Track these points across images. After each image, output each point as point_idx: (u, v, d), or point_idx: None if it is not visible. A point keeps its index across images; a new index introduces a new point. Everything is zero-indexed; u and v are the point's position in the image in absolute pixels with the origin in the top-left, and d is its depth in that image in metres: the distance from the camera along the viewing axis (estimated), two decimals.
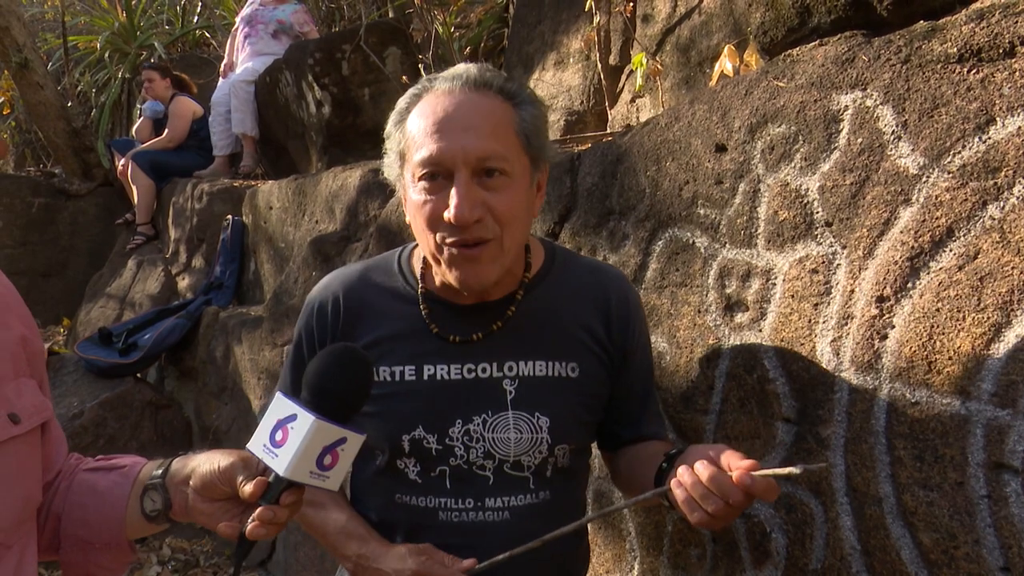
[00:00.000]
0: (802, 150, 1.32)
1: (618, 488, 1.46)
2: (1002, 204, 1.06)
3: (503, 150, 1.13)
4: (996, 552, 1.02)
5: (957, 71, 1.14)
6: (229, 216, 4.57)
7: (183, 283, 4.99)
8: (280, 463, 0.97)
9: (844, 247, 1.23)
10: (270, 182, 4.43)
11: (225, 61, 6.05)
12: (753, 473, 1.01)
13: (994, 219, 1.06)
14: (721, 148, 1.46)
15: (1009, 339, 1.02)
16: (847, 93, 1.27)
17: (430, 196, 1.14)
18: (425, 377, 1.24)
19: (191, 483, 1.05)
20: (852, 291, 1.21)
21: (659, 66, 2.72)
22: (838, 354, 1.21)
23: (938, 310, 1.10)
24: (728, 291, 1.41)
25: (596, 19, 3.11)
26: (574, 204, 1.82)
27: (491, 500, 1.24)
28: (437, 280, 1.24)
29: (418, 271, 1.29)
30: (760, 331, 1.34)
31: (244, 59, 5.72)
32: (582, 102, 3.50)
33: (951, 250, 1.10)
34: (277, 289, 3.57)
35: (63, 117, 6.93)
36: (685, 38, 2.85)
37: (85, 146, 7.05)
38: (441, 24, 4.69)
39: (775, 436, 1.30)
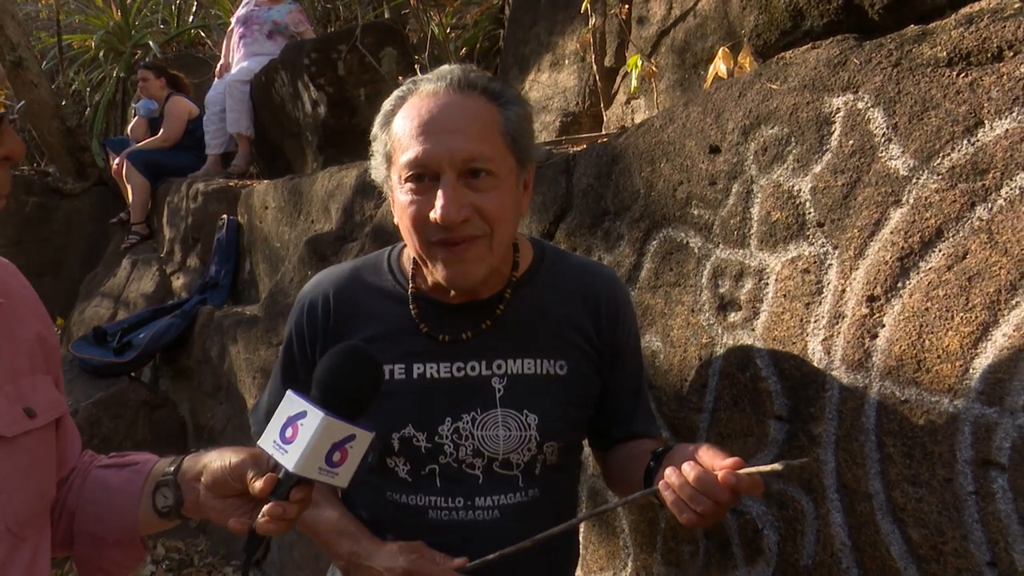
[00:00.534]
0: (794, 151, 1.33)
1: (610, 487, 1.47)
2: (990, 205, 1.07)
3: (489, 151, 1.14)
4: (983, 547, 1.03)
5: (947, 74, 1.16)
6: (224, 215, 4.56)
7: (178, 282, 4.98)
8: (290, 459, 0.98)
9: (835, 247, 1.25)
10: (266, 182, 4.42)
11: (221, 62, 6.04)
12: (738, 471, 1.03)
13: (982, 220, 1.08)
14: (715, 149, 1.47)
15: (996, 338, 1.04)
16: (839, 96, 1.28)
17: (417, 197, 1.15)
18: (415, 376, 1.25)
19: (202, 479, 1.06)
20: (843, 291, 1.22)
21: (654, 68, 2.74)
22: (829, 353, 1.23)
23: (927, 309, 1.11)
24: (721, 291, 1.42)
25: (592, 21, 3.12)
26: (569, 204, 1.84)
27: (481, 499, 1.24)
28: (427, 279, 1.25)
29: (408, 270, 1.29)
30: (753, 330, 1.36)
31: (239, 59, 5.72)
32: (577, 103, 3.51)
33: (940, 250, 1.12)
34: (272, 289, 3.57)
35: (57, 116, 6.92)
36: (680, 40, 2.86)
37: (79, 145, 7.03)
38: (437, 25, 4.70)
39: (767, 434, 1.31)
